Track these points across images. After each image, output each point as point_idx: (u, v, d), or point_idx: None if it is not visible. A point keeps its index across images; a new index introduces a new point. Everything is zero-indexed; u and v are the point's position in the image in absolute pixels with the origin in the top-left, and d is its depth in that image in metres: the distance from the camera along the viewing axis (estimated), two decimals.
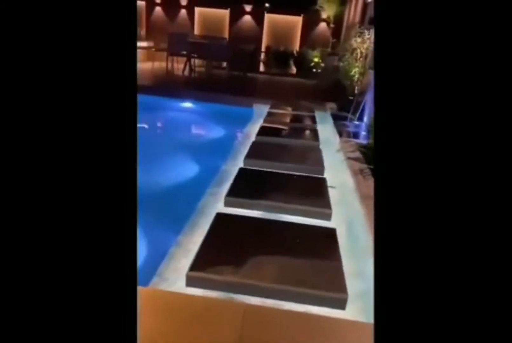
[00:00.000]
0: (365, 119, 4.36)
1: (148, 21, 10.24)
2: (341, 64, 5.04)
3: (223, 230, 1.95)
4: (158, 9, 10.18)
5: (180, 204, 2.87)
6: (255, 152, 3.15)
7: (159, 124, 5.65)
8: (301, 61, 9.90)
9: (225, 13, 9.98)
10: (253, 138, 3.77)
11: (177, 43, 7.69)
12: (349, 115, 4.53)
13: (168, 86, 6.74)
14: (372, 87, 4.27)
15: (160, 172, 3.57)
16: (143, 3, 10.04)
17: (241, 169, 2.74)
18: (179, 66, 8.00)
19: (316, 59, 9.95)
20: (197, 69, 8.34)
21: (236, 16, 9.99)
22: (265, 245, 1.82)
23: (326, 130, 4.48)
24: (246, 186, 2.48)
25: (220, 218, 2.05)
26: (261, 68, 10.15)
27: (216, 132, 5.11)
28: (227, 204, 2.27)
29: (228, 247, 1.80)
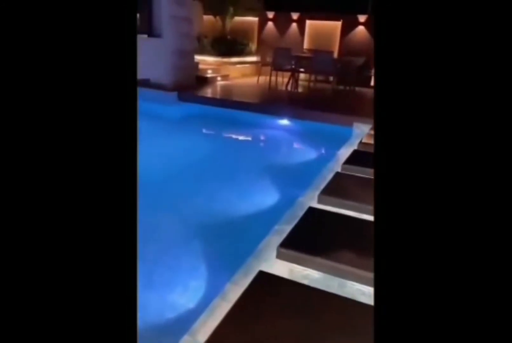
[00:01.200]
0: None
1: (260, 36, 10.38)
2: None
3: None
4: (270, 24, 10.24)
5: (240, 239, 2.59)
6: (335, 186, 2.65)
7: (247, 142, 5.48)
8: None
9: (337, 25, 9.55)
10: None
11: (281, 58, 7.55)
12: None
13: (267, 102, 6.60)
14: None
15: (230, 196, 3.35)
16: (256, 19, 10.22)
17: (310, 209, 2.30)
18: (284, 80, 7.84)
19: None
20: (302, 83, 8.08)
21: (348, 27, 9.49)
22: None
23: None
24: (308, 233, 2.02)
25: (263, 276, 1.63)
26: (372, 82, 9.44)
27: (305, 154, 4.71)
28: (279, 256, 1.87)
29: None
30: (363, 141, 4.10)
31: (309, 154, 4.83)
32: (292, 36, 10.04)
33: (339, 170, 3.07)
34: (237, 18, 10.06)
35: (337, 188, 2.61)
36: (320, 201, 2.48)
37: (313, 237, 1.97)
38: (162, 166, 3.92)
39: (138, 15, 6.35)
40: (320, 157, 4.59)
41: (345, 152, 3.87)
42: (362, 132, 4.72)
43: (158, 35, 6.40)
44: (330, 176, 2.90)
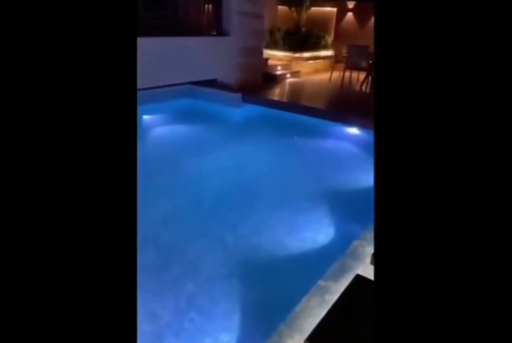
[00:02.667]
0: None
1: (337, 28, 9.68)
2: None
3: None
4: (349, 15, 9.49)
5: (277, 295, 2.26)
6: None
7: (307, 155, 5.00)
8: None
9: None
10: None
11: (357, 55, 6.90)
12: None
13: (337, 107, 6.08)
14: None
15: (276, 231, 3.01)
16: (335, 9, 9.53)
17: (357, 277, 1.91)
18: (359, 76, 7.20)
19: None
20: None
21: None
22: None
23: None
24: (352, 312, 1.65)
25: None
26: None
27: (362, 176, 4.08)
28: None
29: None
30: None
31: None
32: (372, 29, 9.20)
33: None
34: (314, 9, 9.46)
35: None
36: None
37: None
38: (206, 180, 3.70)
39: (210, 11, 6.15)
40: None
41: None
42: None
43: (226, 34, 6.15)
44: None
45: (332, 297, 1.91)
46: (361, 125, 5.14)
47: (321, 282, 2.08)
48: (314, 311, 1.89)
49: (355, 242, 2.45)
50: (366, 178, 3.94)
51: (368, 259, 2.13)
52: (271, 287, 2.36)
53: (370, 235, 2.51)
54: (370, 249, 2.34)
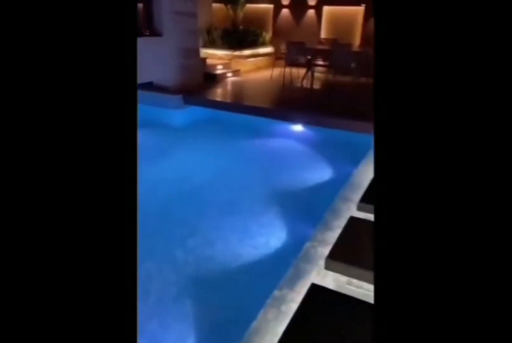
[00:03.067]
0: None
1: (275, 24, 9.68)
2: None
3: None
4: (285, 11, 9.51)
5: None
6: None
7: (253, 156, 4.89)
8: None
9: (358, 11, 8.76)
10: (361, 191, 2.76)
11: (295, 52, 6.90)
12: None
13: (279, 104, 6.03)
14: None
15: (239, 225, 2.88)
16: (271, 6, 9.50)
17: (351, 218, 1.88)
18: (300, 73, 7.21)
19: None
20: (319, 75, 7.41)
21: (370, 12, 8.68)
22: None
23: None
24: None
25: None
26: None
27: (312, 175, 4.04)
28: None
29: None
30: None
31: (334, 170, 4.26)
32: (308, 24, 9.29)
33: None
34: (250, 6, 9.38)
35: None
36: (359, 209, 2.50)
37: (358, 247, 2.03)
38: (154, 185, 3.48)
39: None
40: (345, 173, 4.04)
41: (367, 171, 3.35)
42: None
43: (159, 34, 5.88)
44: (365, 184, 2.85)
45: (289, 307, 1.85)
46: (305, 122, 5.13)
47: (276, 292, 1.98)
48: (271, 325, 1.79)
49: (307, 244, 2.37)
50: (312, 175, 3.91)
51: (321, 262, 2.05)
52: (226, 302, 2.22)
53: (320, 235, 2.45)
54: (322, 250, 2.26)
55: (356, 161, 3.79)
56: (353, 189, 3.06)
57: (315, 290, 1.73)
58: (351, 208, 2.66)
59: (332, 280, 1.99)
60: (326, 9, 8.99)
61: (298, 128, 5.30)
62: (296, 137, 5.20)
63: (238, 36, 8.64)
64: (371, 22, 8.63)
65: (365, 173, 3.40)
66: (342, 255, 1.93)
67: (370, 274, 1.78)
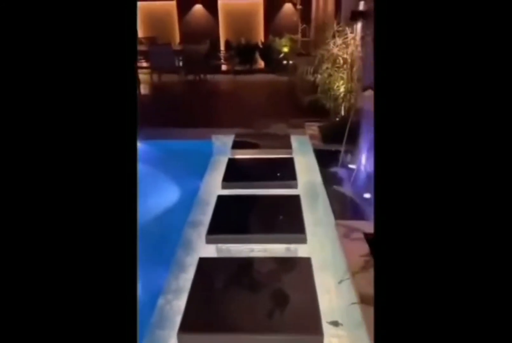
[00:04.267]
0: (365, 163, 3.07)
1: None
2: (318, 76, 3.69)
3: None
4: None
5: None
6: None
7: None
8: (269, 52, 8.51)
9: (171, 5, 8.39)
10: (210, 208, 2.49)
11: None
12: (341, 154, 3.23)
13: None
14: (367, 113, 2.99)
15: None
16: None
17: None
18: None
19: (285, 49, 8.56)
20: (143, 76, 6.85)
21: (185, 7, 8.42)
22: None
23: (310, 193, 3.19)
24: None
25: None
26: (224, 66, 8.69)
27: (154, 201, 3.53)
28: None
29: None
30: (227, 170, 3.37)
31: (176, 181, 3.85)
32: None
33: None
34: None
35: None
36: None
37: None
38: None
39: None
40: (189, 190, 3.67)
41: (212, 184, 3.10)
42: (224, 148, 3.95)
43: None
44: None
45: None
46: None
47: None
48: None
49: (160, 300, 1.98)
50: (153, 201, 3.48)
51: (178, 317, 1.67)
52: None
53: (175, 282, 2.08)
54: (179, 304, 1.89)
55: (200, 172, 3.51)
56: (203, 210, 2.82)
57: None
58: (202, 235, 2.36)
59: None
60: (140, 5, 8.36)
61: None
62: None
63: None
64: (186, 16, 8.38)
65: (213, 186, 3.15)
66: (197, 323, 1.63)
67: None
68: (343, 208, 2.51)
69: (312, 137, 3.89)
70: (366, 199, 2.69)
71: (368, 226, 2.28)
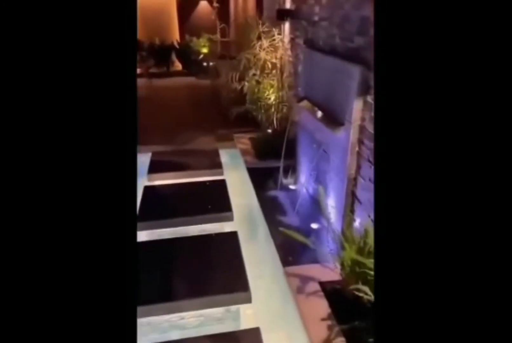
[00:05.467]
0: (307, 184, 2.67)
1: None
2: (245, 83, 3.22)
3: None
4: None
5: None
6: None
7: None
8: (186, 53, 7.91)
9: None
10: None
11: None
12: (280, 175, 2.81)
13: None
14: (305, 126, 2.60)
15: None
16: None
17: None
18: None
19: (204, 50, 8.03)
20: None
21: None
22: None
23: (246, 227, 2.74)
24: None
25: None
26: (136, 69, 7.89)
27: None
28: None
29: None
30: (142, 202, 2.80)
31: None
32: None
33: None
34: None
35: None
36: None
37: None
38: None
39: None
40: None
41: None
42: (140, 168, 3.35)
43: None
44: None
45: None
46: None
47: None
48: None
49: None
50: None
51: None
52: None
53: None
54: None
55: None
56: None
57: None
58: None
59: None
60: None
61: None
62: None
63: None
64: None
65: None
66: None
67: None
68: (290, 249, 2.08)
69: (244, 152, 3.43)
70: (315, 231, 2.30)
71: (322, 271, 1.88)
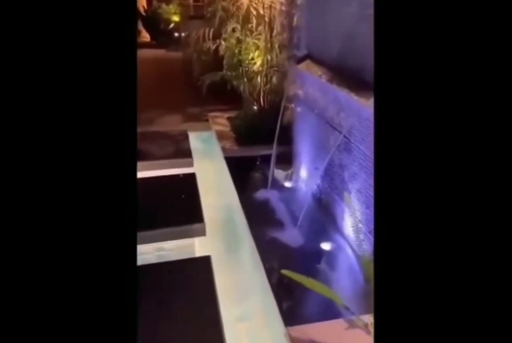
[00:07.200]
0: (309, 182, 1.91)
1: None
2: (221, 43, 2.41)
3: None
4: None
5: None
6: None
7: None
8: (154, 22, 6.97)
9: None
10: None
11: None
12: (271, 168, 2.03)
13: None
14: (308, 100, 1.84)
15: None
16: None
17: None
18: None
19: (175, 18, 7.08)
20: None
21: None
22: None
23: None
24: None
25: None
26: None
27: None
28: None
29: None
30: None
31: None
32: None
33: None
34: None
35: None
36: None
37: None
38: None
39: None
40: None
41: None
42: None
43: None
44: None
45: None
46: None
47: None
48: None
49: None
50: None
51: None
52: None
53: None
54: None
55: None
56: None
57: None
58: None
59: None
60: None
61: None
62: None
63: None
64: None
65: None
66: None
67: None
68: (292, 297, 1.32)
69: (221, 136, 2.64)
70: (327, 254, 1.56)
71: (344, 332, 1.16)
